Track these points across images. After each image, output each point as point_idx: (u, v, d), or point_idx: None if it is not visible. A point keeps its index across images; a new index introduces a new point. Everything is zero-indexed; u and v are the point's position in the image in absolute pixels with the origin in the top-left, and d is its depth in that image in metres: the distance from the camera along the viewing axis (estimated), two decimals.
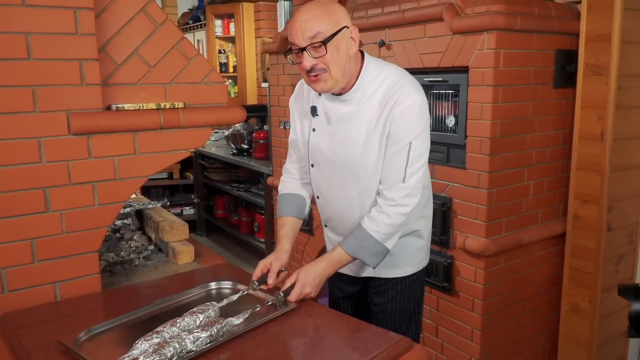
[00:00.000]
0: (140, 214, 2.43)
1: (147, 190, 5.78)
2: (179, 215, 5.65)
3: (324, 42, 1.52)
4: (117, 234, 2.41)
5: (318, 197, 1.83)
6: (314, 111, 1.73)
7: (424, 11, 2.46)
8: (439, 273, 2.60)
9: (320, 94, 1.71)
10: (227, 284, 1.72)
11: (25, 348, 1.35)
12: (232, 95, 5.44)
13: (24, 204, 1.57)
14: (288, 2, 4.19)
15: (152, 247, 2.21)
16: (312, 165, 1.78)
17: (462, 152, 2.45)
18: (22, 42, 1.49)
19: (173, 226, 2.11)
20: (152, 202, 2.46)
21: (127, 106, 1.68)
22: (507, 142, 2.36)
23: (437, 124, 2.61)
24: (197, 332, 1.30)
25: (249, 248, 5.03)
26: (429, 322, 2.74)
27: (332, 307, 2.00)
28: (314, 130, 1.74)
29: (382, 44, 2.74)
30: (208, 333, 1.31)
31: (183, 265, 2.04)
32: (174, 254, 2.07)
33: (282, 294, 1.54)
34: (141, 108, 1.70)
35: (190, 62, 1.82)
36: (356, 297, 1.97)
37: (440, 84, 2.54)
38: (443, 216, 2.54)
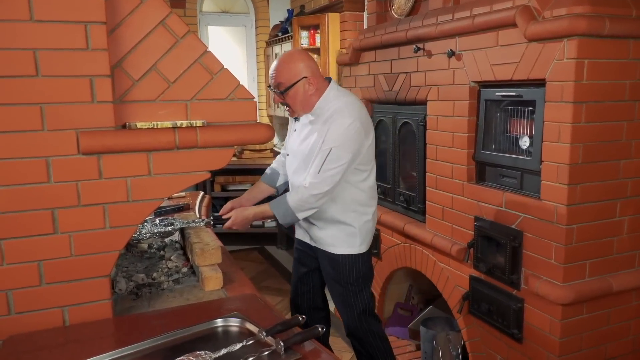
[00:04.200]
0: (183, 233, 2.35)
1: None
2: (261, 227, 5.64)
3: (283, 92, 2.22)
4: (162, 252, 2.36)
5: (289, 179, 2.44)
6: (296, 118, 2.38)
7: (495, 16, 2.15)
8: (507, 317, 2.26)
9: None
10: (234, 322, 1.55)
11: None
12: None
13: (32, 224, 1.51)
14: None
15: (185, 269, 2.11)
16: (287, 155, 2.44)
17: (537, 179, 2.11)
18: (30, 58, 1.44)
19: (205, 249, 1.99)
20: (197, 220, 2.37)
21: (139, 124, 1.58)
22: (592, 170, 1.98)
23: (509, 145, 2.28)
24: None
25: None
26: None
27: (297, 284, 2.59)
28: (294, 130, 2.41)
29: (451, 54, 2.45)
30: None
31: (209, 293, 1.91)
32: (202, 280, 1.95)
33: (282, 343, 1.35)
34: (155, 126, 1.60)
35: (214, 77, 1.69)
36: (317, 273, 2.52)
37: (514, 99, 2.21)
38: (513, 252, 2.20)
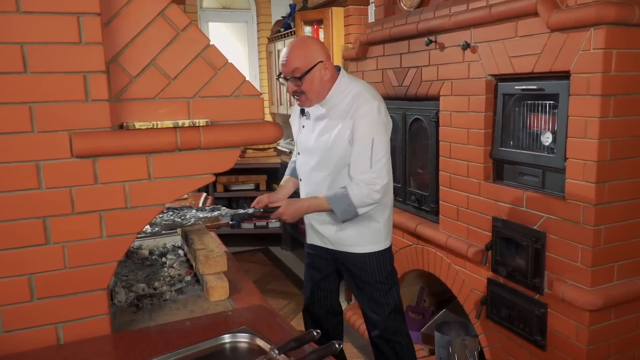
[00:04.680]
0: (186, 238, 2.23)
1: (236, 201, 5.74)
2: (265, 228, 5.53)
3: (300, 77, 2.08)
4: (164, 258, 2.24)
5: (300, 180, 2.33)
6: (302, 112, 2.28)
7: (514, 5, 2.03)
8: (530, 323, 2.14)
9: None
10: (243, 338, 1.43)
11: None
12: None
13: (21, 235, 1.39)
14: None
15: (189, 277, 2.00)
16: (299, 154, 2.32)
17: (561, 177, 1.99)
18: (17, 53, 1.32)
19: (209, 257, 1.87)
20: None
21: (138, 124, 1.46)
22: (621, 167, 1.86)
23: (530, 142, 2.15)
24: None
25: None
26: None
27: (314, 290, 2.46)
28: (303, 127, 2.29)
29: (465, 46, 2.33)
30: None
31: (214, 304, 1.79)
32: (207, 289, 1.83)
33: None
34: (155, 126, 1.48)
35: (218, 72, 1.56)
36: (334, 276, 2.45)
37: (535, 93, 2.08)
38: (535, 255, 2.08)
